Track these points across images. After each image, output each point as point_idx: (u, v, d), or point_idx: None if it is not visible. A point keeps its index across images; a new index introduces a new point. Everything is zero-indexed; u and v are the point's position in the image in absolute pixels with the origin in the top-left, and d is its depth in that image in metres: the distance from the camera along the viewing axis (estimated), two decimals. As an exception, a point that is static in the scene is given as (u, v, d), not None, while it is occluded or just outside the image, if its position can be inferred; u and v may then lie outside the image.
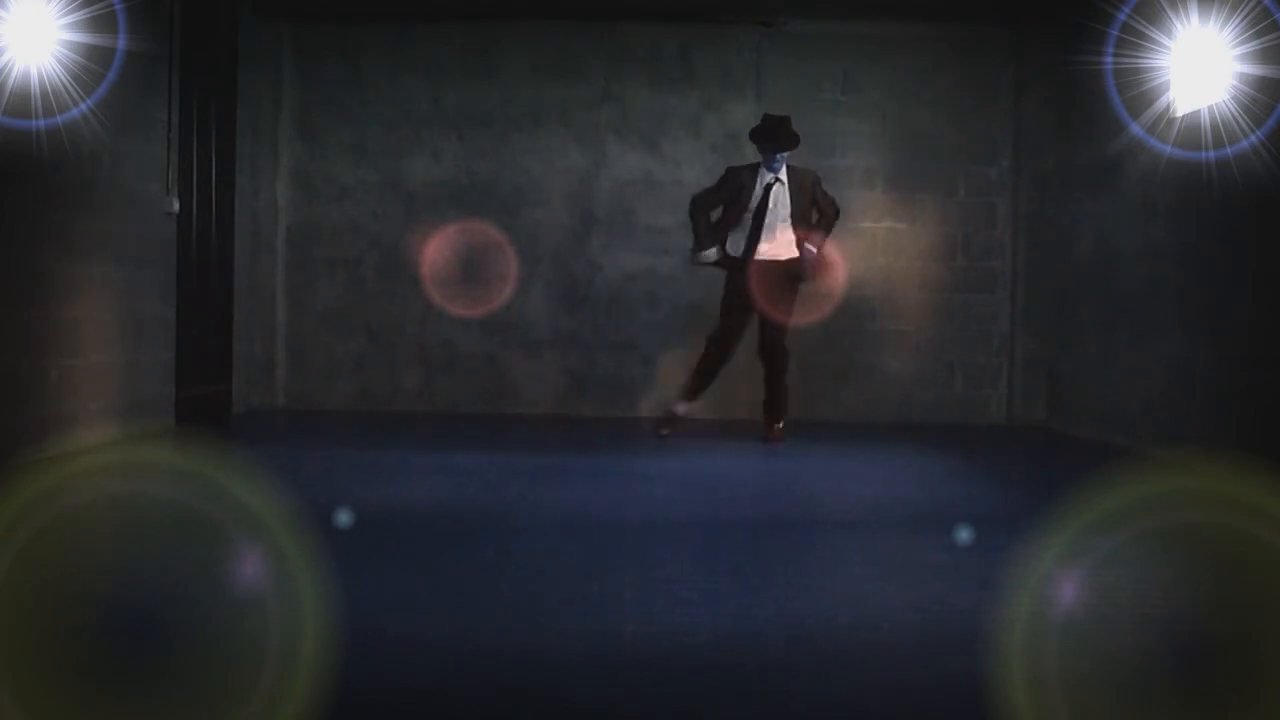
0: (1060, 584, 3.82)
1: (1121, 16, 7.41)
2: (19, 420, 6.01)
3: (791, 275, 7.62)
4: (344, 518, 4.70)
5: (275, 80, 9.38)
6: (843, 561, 4.32)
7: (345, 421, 8.68)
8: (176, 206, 7.69)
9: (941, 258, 9.45)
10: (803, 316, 8.22)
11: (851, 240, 9.29)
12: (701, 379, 7.80)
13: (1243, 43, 6.31)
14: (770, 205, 7.55)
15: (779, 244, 7.58)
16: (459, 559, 4.19)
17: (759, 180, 7.57)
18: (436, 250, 9.41)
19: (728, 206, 7.63)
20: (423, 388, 9.48)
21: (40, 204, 6.20)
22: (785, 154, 7.58)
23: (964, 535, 4.59)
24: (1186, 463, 6.54)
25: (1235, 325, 6.48)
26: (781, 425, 7.82)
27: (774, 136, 7.56)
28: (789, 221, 7.56)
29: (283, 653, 2.94)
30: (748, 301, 7.60)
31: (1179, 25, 7.04)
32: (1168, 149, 7.21)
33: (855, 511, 5.43)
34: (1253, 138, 6.13)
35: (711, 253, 7.64)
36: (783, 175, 7.59)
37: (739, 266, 7.58)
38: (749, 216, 7.56)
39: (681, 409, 7.87)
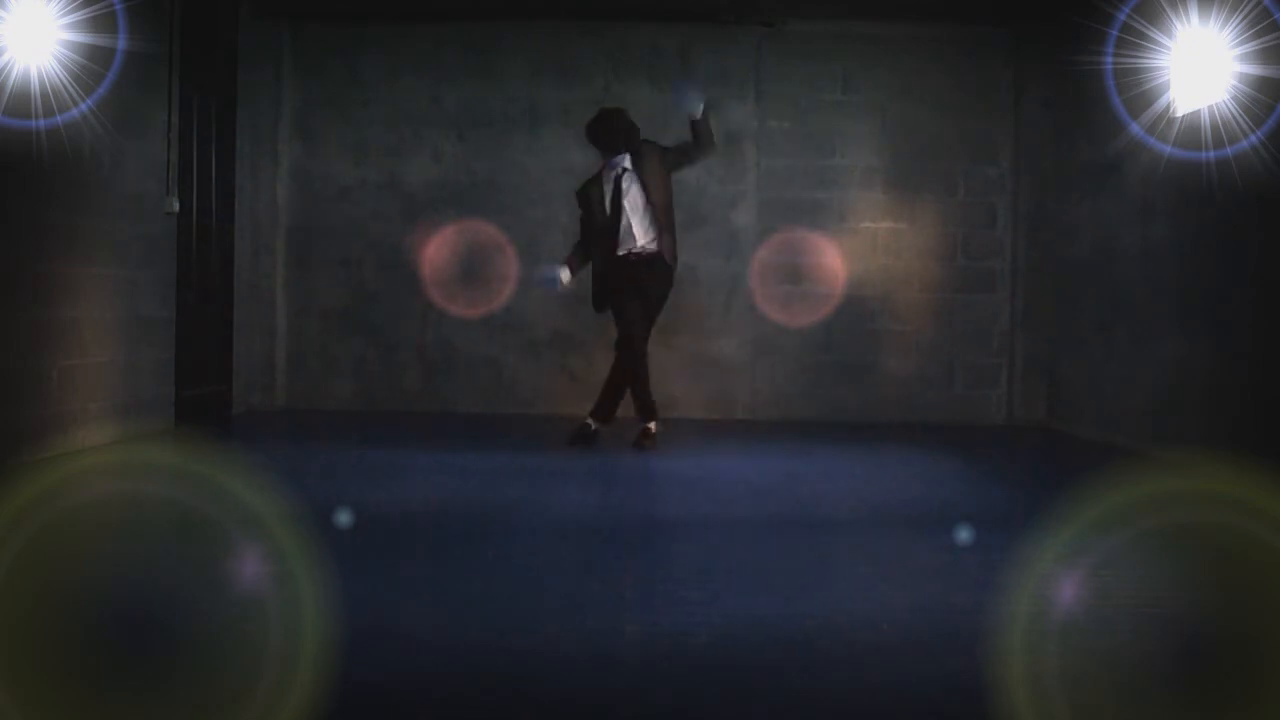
0: (1060, 584, 3.82)
1: (1121, 16, 7.40)
2: (19, 420, 6.01)
3: (655, 268, 7.22)
4: (344, 518, 4.70)
5: (275, 80, 9.38)
6: (843, 561, 4.32)
7: (345, 421, 8.68)
8: (176, 207, 7.68)
9: (941, 258, 9.44)
10: (803, 316, 8.22)
11: (851, 240, 9.30)
12: (625, 391, 7.34)
13: (1243, 43, 6.31)
14: (625, 197, 7.16)
15: (640, 238, 7.20)
16: (459, 559, 4.19)
17: (606, 181, 7.23)
18: (436, 250, 9.41)
19: (589, 225, 7.27)
20: (423, 388, 9.48)
21: (40, 204, 6.20)
22: (625, 154, 7.19)
23: (964, 535, 4.59)
24: (1186, 463, 6.54)
25: (1235, 325, 6.48)
26: (653, 428, 7.32)
27: (611, 136, 7.22)
28: (647, 212, 7.17)
29: (283, 652, 2.94)
30: (622, 297, 7.21)
31: (1179, 25, 7.04)
32: (1168, 149, 7.21)
33: (855, 511, 5.42)
34: (1253, 138, 6.13)
35: (553, 270, 7.28)
36: (627, 164, 7.21)
37: (603, 271, 7.20)
38: (607, 217, 7.17)
39: (595, 425, 7.38)
